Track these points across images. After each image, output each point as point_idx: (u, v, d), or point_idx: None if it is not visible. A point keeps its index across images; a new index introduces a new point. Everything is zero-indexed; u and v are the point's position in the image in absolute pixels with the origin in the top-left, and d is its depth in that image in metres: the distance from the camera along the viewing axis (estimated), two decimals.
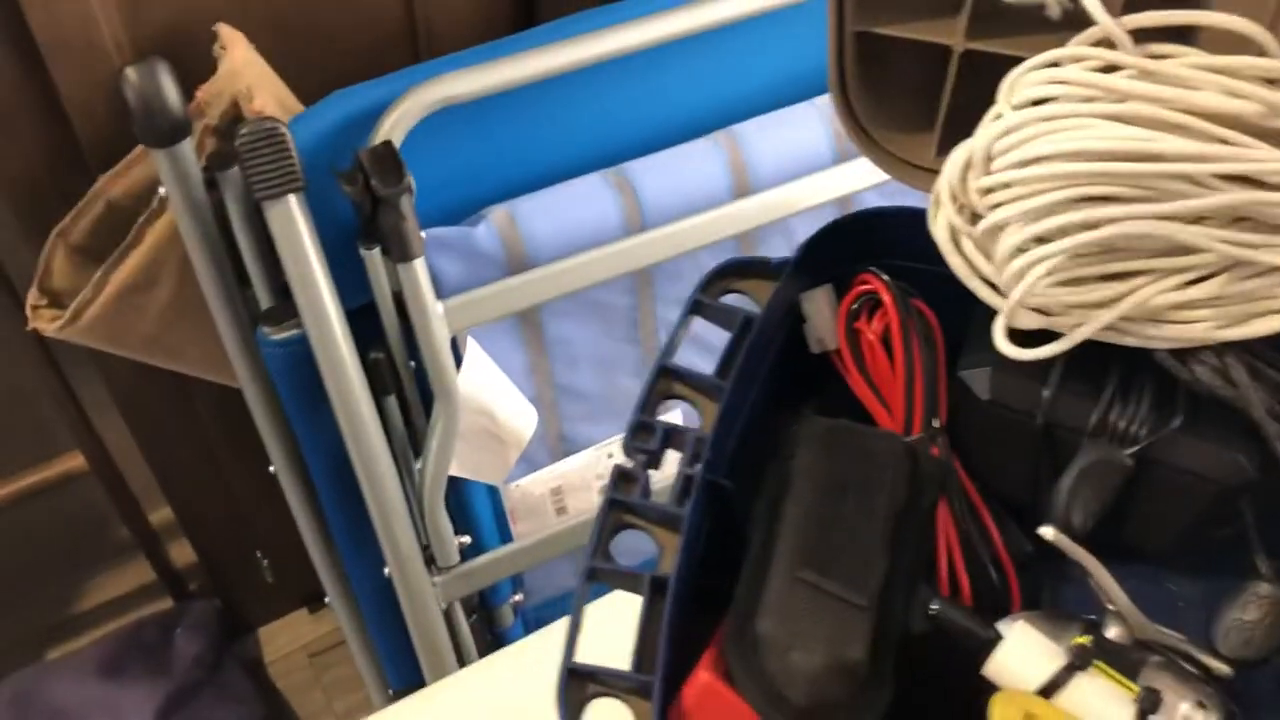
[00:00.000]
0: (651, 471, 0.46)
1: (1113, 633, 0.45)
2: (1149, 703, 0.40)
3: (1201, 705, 0.43)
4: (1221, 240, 0.46)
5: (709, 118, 0.97)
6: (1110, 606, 0.45)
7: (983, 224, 0.48)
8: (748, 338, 0.48)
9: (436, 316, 0.84)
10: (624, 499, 0.44)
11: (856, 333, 0.52)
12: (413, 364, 0.87)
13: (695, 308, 0.50)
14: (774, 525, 0.44)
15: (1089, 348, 0.49)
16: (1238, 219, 0.47)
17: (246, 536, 1.26)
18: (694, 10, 0.88)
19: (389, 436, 0.87)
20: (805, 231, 0.54)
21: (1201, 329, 0.48)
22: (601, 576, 0.42)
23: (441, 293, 0.85)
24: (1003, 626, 0.43)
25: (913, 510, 0.47)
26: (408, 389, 0.88)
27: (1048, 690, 0.41)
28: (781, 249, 0.96)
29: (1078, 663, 0.41)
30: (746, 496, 0.47)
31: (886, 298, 0.51)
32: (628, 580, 0.42)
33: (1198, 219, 0.46)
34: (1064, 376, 0.49)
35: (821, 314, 0.52)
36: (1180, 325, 0.48)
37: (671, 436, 0.46)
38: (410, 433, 0.90)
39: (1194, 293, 0.47)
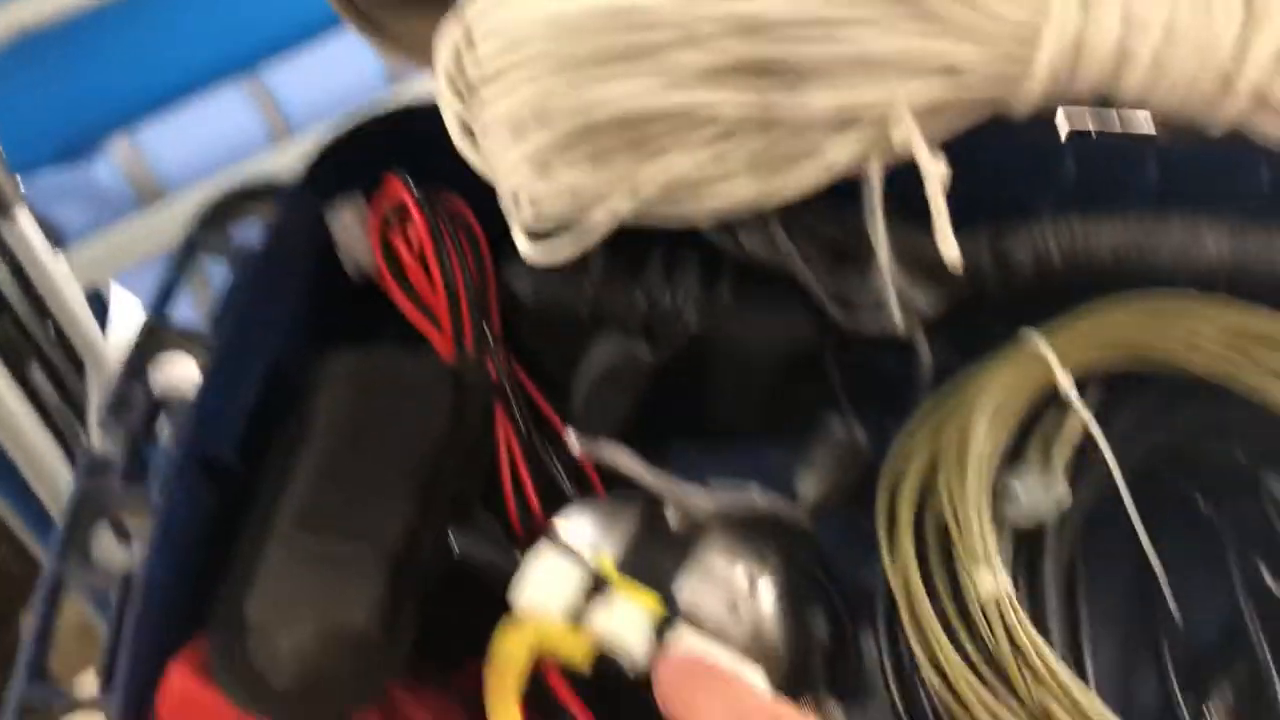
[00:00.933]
0: None
1: (671, 516, 0.42)
2: (665, 622, 0.38)
3: (764, 561, 0.41)
4: (741, 97, 0.42)
5: None
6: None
7: (484, 113, 0.43)
8: (248, 276, 0.43)
9: (59, 271, 0.76)
10: (96, 489, 0.39)
11: (393, 248, 0.47)
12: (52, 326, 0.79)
13: (191, 249, 0.44)
14: (280, 486, 0.40)
15: (631, 226, 0.45)
16: (756, 71, 0.43)
17: None
18: None
19: (47, 415, 0.80)
20: None
21: (739, 194, 0.44)
22: (72, 584, 0.37)
23: (65, 242, 0.77)
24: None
25: (458, 436, 0.43)
26: (54, 357, 0.80)
27: (572, 617, 0.38)
28: None
29: (596, 588, 0.38)
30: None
31: (412, 206, 0.46)
32: (100, 581, 0.37)
33: (711, 79, 0.42)
34: (607, 263, 0.45)
35: (352, 233, 0.47)
36: (715, 194, 0.44)
37: (160, 407, 0.41)
38: (73, 405, 0.82)
39: (725, 157, 0.44)
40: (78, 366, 0.81)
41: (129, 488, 0.39)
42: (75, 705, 0.36)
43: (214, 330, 0.42)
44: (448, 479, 0.42)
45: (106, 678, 0.35)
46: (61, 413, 0.82)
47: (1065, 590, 0.43)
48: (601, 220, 0.43)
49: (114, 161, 0.79)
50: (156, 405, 0.40)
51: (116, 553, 0.40)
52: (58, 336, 0.79)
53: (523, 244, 0.44)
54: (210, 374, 0.40)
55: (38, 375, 0.80)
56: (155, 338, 0.42)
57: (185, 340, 0.42)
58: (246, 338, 0.42)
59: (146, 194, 0.79)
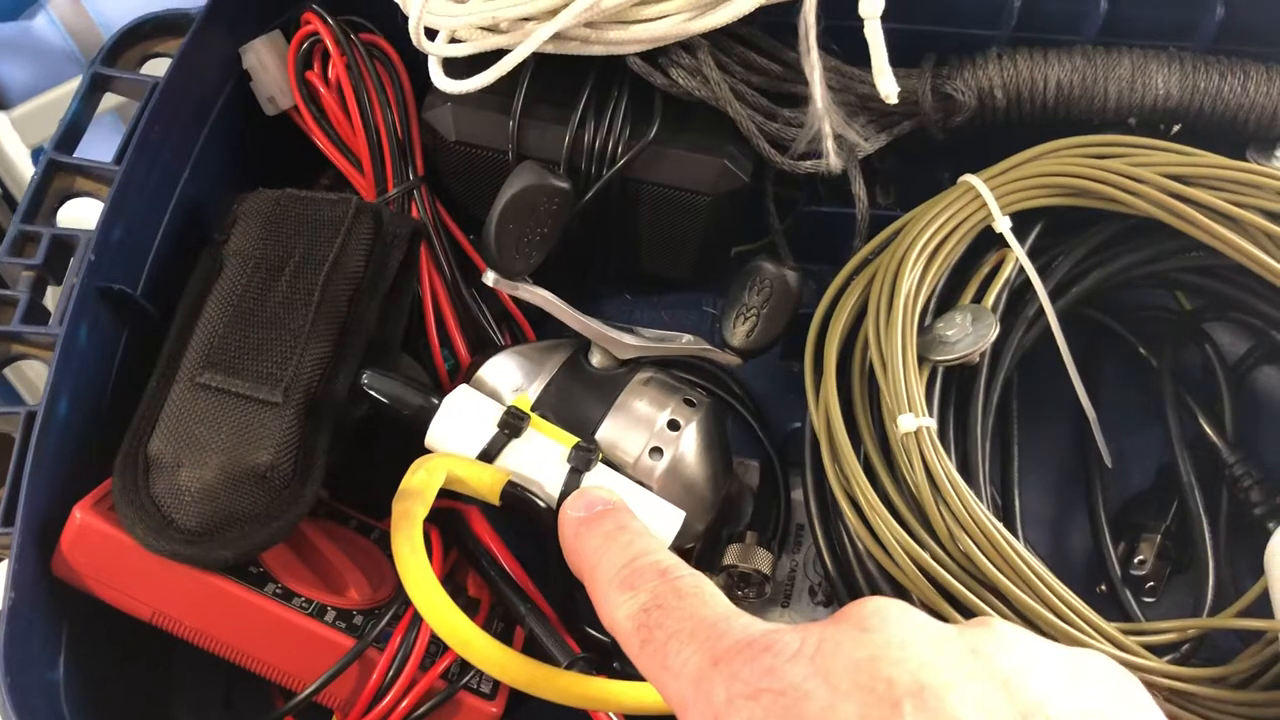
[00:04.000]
0: None
1: (596, 359, 0.42)
2: (581, 460, 0.37)
3: (688, 403, 0.40)
4: None
5: None
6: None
7: None
8: (153, 107, 0.41)
9: (5, 132, 0.73)
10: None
11: (311, 85, 0.45)
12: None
13: (98, 83, 0.42)
14: (189, 325, 0.39)
15: (558, 67, 0.43)
16: None
17: None
18: None
19: None
20: None
21: (670, 24, 0.42)
22: None
23: (10, 101, 0.75)
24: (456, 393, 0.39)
25: (376, 277, 0.41)
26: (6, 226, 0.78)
27: (488, 456, 0.37)
28: None
29: (509, 429, 0.37)
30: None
31: (329, 41, 0.44)
32: (3, 421, 0.37)
33: None
34: (532, 103, 0.43)
35: (267, 68, 0.45)
36: (646, 24, 0.42)
37: (63, 243, 0.39)
38: None
39: None
40: None
41: (32, 325, 0.38)
42: None
43: (117, 162, 0.40)
44: (365, 320, 0.40)
45: (8, 514, 0.34)
46: None
47: (997, 432, 0.42)
48: (519, 49, 0.41)
49: (53, 14, 0.76)
50: (63, 245, 0.39)
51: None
52: (4, 197, 0.78)
53: (438, 76, 0.42)
54: (111, 203, 0.39)
55: None
56: (59, 174, 0.40)
57: (92, 181, 0.41)
58: (152, 170, 0.41)
59: (90, 50, 0.77)
